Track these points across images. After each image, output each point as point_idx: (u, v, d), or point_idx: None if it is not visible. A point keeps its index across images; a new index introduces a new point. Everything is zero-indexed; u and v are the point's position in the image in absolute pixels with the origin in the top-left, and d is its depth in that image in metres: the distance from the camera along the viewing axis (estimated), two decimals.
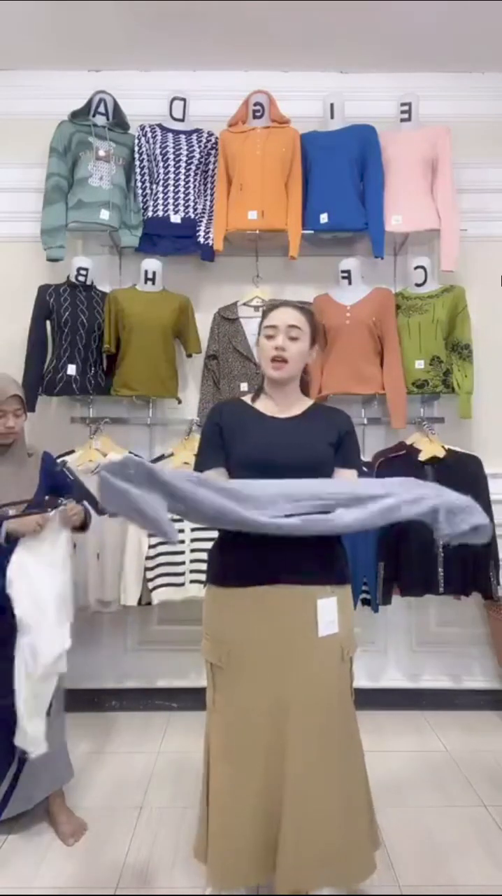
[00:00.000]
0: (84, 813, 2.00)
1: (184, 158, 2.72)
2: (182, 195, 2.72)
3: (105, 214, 2.62)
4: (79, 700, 2.68)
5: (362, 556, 2.54)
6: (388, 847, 1.84)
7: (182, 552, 2.52)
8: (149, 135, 2.76)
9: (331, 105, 2.75)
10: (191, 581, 2.52)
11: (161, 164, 2.72)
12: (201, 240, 2.74)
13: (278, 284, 2.88)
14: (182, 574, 2.53)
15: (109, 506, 1.25)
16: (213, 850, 1.48)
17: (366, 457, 2.72)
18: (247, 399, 1.64)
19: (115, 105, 2.73)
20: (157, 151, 2.73)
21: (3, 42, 2.73)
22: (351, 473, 1.56)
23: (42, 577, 1.76)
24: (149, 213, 2.73)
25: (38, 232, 2.65)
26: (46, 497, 1.85)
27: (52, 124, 2.69)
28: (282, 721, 1.43)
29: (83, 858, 1.81)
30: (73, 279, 2.67)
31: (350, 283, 2.70)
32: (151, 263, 2.69)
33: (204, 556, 2.50)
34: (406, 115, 2.76)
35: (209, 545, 1.62)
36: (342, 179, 2.65)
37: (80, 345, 2.62)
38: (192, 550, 2.51)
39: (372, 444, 2.83)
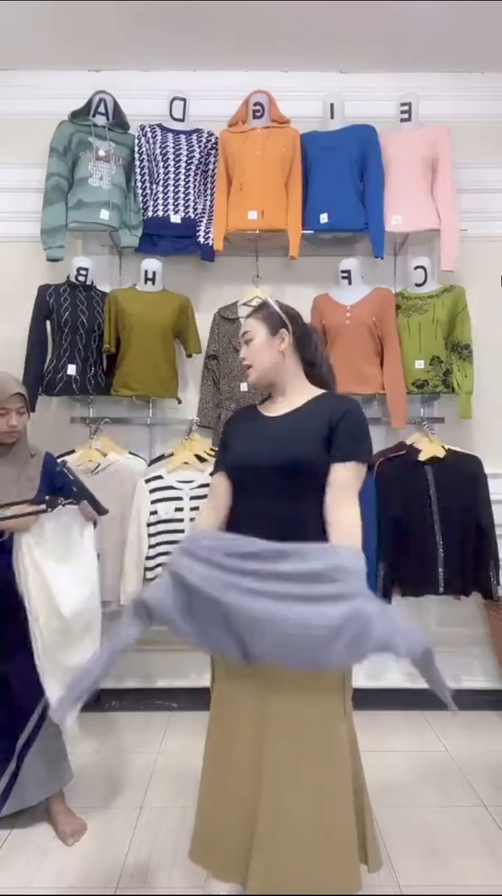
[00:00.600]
0: (84, 813, 2.00)
1: (184, 158, 2.72)
2: (182, 195, 2.72)
3: (105, 214, 2.63)
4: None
5: None
6: (388, 847, 1.84)
7: None
8: (149, 135, 2.76)
9: (331, 105, 2.75)
10: None
11: (161, 164, 2.72)
12: (201, 240, 2.74)
13: (278, 284, 2.88)
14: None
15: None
16: (195, 834, 1.51)
17: None
18: (257, 403, 1.66)
19: (115, 105, 2.73)
20: (157, 151, 2.73)
21: (3, 42, 2.74)
22: (342, 468, 1.40)
23: (59, 574, 1.78)
24: (149, 213, 2.73)
25: (38, 232, 2.65)
26: (47, 497, 1.85)
27: (52, 124, 2.69)
28: (263, 726, 1.41)
29: (83, 858, 1.81)
30: (73, 279, 2.67)
31: (350, 283, 2.71)
32: (151, 263, 2.69)
33: None
34: (406, 115, 2.76)
35: None
36: (342, 179, 2.65)
37: (80, 345, 2.62)
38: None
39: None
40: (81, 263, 2.67)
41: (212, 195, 2.77)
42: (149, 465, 2.69)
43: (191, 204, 2.74)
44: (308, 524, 1.41)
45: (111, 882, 1.72)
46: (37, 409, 2.63)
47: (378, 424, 2.84)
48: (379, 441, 2.84)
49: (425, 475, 2.60)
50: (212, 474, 1.65)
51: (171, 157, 2.72)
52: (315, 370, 1.59)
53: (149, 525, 2.52)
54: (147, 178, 2.79)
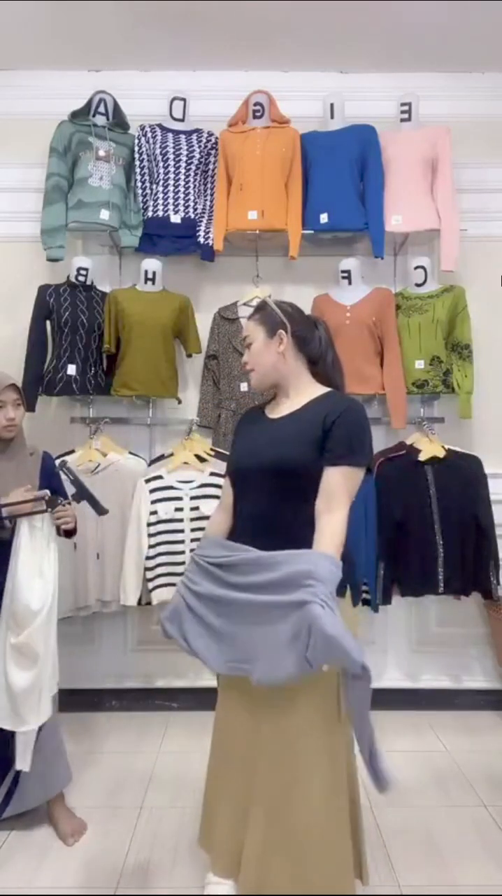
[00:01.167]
0: (84, 813, 2.00)
1: (184, 158, 2.72)
2: (182, 195, 2.72)
3: (105, 214, 2.63)
4: (79, 700, 2.69)
5: (362, 556, 2.54)
6: (388, 847, 1.85)
7: (182, 552, 2.53)
8: (149, 135, 2.76)
9: (331, 105, 2.75)
10: None
11: (161, 164, 2.72)
12: (201, 240, 2.74)
13: (278, 284, 2.88)
14: (182, 574, 2.52)
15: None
16: (202, 822, 1.56)
17: None
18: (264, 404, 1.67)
19: (115, 105, 2.73)
20: (157, 151, 2.73)
21: (3, 42, 2.74)
22: (332, 472, 1.36)
23: (29, 575, 1.78)
24: (149, 213, 2.73)
25: (38, 232, 2.65)
26: (47, 497, 1.85)
27: (52, 124, 2.69)
28: (256, 730, 1.42)
29: (83, 858, 1.81)
30: (73, 279, 2.67)
31: (350, 283, 2.71)
32: (151, 263, 2.69)
33: None
34: (406, 115, 2.76)
35: None
36: (342, 179, 2.65)
37: (80, 345, 2.62)
38: (192, 550, 2.50)
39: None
40: (81, 263, 2.67)
41: (212, 195, 2.77)
42: (149, 465, 2.69)
43: (191, 204, 2.74)
44: (294, 528, 1.39)
45: (111, 882, 1.72)
46: (37, 409, 2.63)
47: (378, 424, 2.84)
48: (380, 441, 2.84)
49: (425, 475, 2.60)
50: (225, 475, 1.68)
51: (171, 157, 2.72)
52: (318, 367, 1.55)
53: (149, 525, 2.52)
54: (147, 178, 2.79)
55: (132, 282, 2.79)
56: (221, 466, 2.48)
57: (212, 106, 2.83)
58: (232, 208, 2.67)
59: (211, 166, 2.80)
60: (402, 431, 2.72)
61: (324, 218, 2.63)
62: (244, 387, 2.64)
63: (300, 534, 1.37)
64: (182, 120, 2.79)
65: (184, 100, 2.78)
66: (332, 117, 2.76)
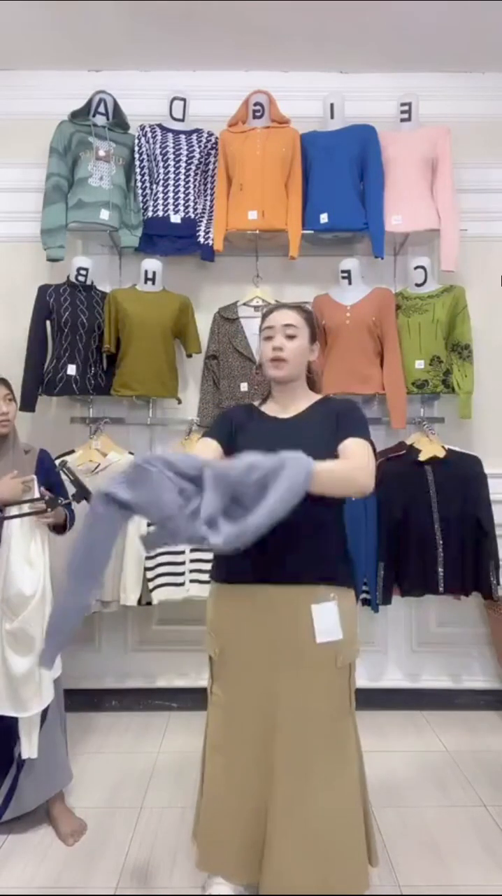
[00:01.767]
0: (84, 813, 2.00)
1: (184, 158, 2.72)
2: (182, 195, 2.72)
3: (105, 214, 2.62)
4: (79, 700, 2.68)
5: (362, 556, 2.54)
6: (388, 847, 1.84)
7: (182, 552, 2.52)
8: (149, 135, 2.76)
9: (331, 105, 2.75)
10: (191, 581, 2.52)
11: (161, 164, 2.72)
12: (201, 240, 2.74)
13: (278, 284, 2.88)
14: (182, 574, 2.53)
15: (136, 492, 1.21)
16: (202, 837, 1.51)
17: None
18: (256, 403, 1.67)
19: (115, 105, 2.73)
20: (157, 151, 2.73)
21: (3, 42, 2.74)
22: (352, 442, 1.43)
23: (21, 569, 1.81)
24: (149, 213, 2.73)
25: (38, 232, 2.65)
26: (47, 497, 1.85)
27: (52, 124, 2.69)
28: (271, 724, 1.43)
29: (83, 858, 1.81)
30: (73, 279, 2.67)
31: (350, 283, 2.70)
32: (151, 263, 2.69)
33: (204, 556, 2.50)
34: (406, 115, 2.76)
35: None
36: (342, 179, 2.65)
37: (80, 345, 2.62)
38: (192, 550, 2.51)
39: None
40: (81, 263, 2.67)
41: (212, 195, 2.77)
42: None
43: (191, 204, 2.74)
44: (328, 524, 1.47)
45: (111, 882, 1.72)
46: (37, 409, 2.63)
47: (378, 424, 2.83)
48: (380, 441, 2.84)
49: (425, 475, 2.60)
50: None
51: (171, 157, 2.72)
52: (312, 374, 1.66)
53: (148, 525, 2.52)
54: (147, 178, 2.79)
55: (132, 282, 2.79)
56: None
57: (212, 106, 2.83)
58: (232, 208, 2.67)
59: (211, 166, 2.80)
60: (402, 431, 2.72)
61: (324, 218, 2.63)
62: (244, 387, 2.64)
63: (335, 532, 1.48)
64: (182, 120, 2.79)
65: (184, 100, 2.78)
66: (332, 117, 2.76)
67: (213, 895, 1.57)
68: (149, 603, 2.54)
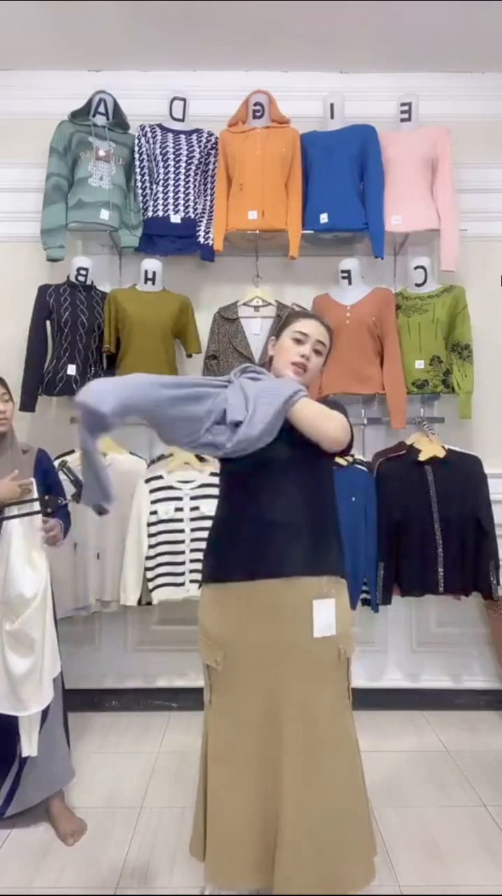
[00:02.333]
0: (84, 813, 2.00)
1: (184, 158, 2.72)
2: (182, 195, 2.72)
3: (105, 214, 2.63)
4: (79, 700, 2.68)
5: (362, 556, 2.54)
6: (388, 847, 1.85)
7: (182, 552, 2.53)
8: (149, 135, 2.76)
9: (331, 105, 2.75)
10: (191, 581, 2.52)
11: (161, 164, 2.72)
12: (201, 240, 2.74)
13: (278, 284, 2.88)
14: (182, 574, 2.53)
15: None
16: (211, 850, 1.48)
17: (367, 457, 2.73)
18: None
19: (115, 105, 2.73)
20: (157, 151, 2.73)
21: (3, 42, 2.73)
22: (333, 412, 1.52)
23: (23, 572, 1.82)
24: (149, 213, 2.73)
25: (38, 232, 2.65)
26: (46, 497, 1.85)
27: (52, 124, 2.69)
28: (277, 724, 1.43)
29: (83, 858, 1.81)
30: (73, 279, 2.67)
31: (350, 283, 2.70)
32: (151, 263, 2.69)
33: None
34: (406, 115, 2.76)
35: None
36: (342, 179, 2.65)
37: (80, 345, 2.62)
38: (192, 550, 2.51)
39: (372, 444, 2.83)
40: (81, 263, 2.67)
41: (212, 195, 2.77)
42: (149, 465, 2.69)
43: (191, 204, 2.74)
44: (323, 515, 1.52)
45: (111, 882, 1.72)
46: (37, 409, 2.63)
47: (378, 424, 2.84)
48: (380, 441, 2.84)
49: (425, 475, 2.60)
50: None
51: (171, 157, 2.72)
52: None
53: (148, 525, 2.52)
54: (147, 178, 2.79)
55: (132, 282, 2.79)
56: None
57: (212, 106, 2.83)
58: (232, 208, 2.67)
59: (211, 166, 2.80)
60: (402, 431, 2.72)
61: (324, 218, 2.63)
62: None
63: (321, 527, 1.50)
64: (182, 120, 2.79)
65: (184, 100, 2.78)
66: (332, 117, 2.76)
67: (214, 895, 1.57)
68: (149, 603, 2.54)
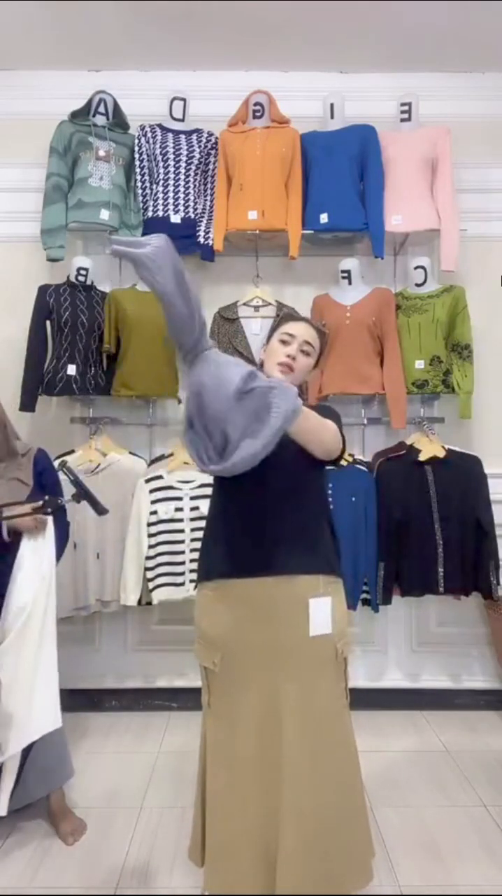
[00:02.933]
0: (84, 813, 2.00)
1: (184, 158, 2.72)
2: (182, 195, 2.72)
3: (105, 214, 2.63)
4: (79, 700, 2.69)
5: (362, 556, 2.54)
6: (388, 847, 1.85)
7: (182, 552, 2.53)
8: (149, 135, 2.76)
9: (331, 105, 2.75)
10: (191, 581, 2.52)
11: (161, 164, 2.72)
12: (201, 240, 2.74)
13: (278, 284, 2.88)
14: (182, 574, 2.53)
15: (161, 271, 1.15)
16: (210, 859, 1.48)
17: (367, 457, 2.73)
18: None
19: (115, 105, 2.73)
20: (157, 151, 2.73)
21: (3, 42, 2.73)
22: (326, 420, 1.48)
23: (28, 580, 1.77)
24: (149, 213, 2.73)
25: (38, 232, 2.65)
26: (46, 498, 1.85)
27: (52, 124, 2.69)
28: (275, 725, 1.42)
29: (83, 858, 1.81)
30: (73, 279, 2.67)
31: (350, 283, 2.71)
32: None
33: None
34: (406, 115, 2.76)
35: None
36: (342, 179, 2.65)
37: (80, 345, 2.62)
38: (192, 550, 2.51)
39: (372, 444, 2.83)
40: (81, 263, 2.67)
41: (212, 195, 2.77)
42: (149, 465, 2.69)
43: (191, 204, 2.74)
44: (319, 514, 1.52)
45: (111, 882, 1.72)
46: (37, 409, 2.63)
47: (378, 424, 2.84)
48: (380, 441, 2.84)
49: (425, 475, 2.60)
50: None
51: (171, 157, 2.72)
52: (300, 391, 1.68)
53: (149, 525, 2.52)
54: (147, 178, 2.79)
55: (132, 282, 2.79)
56: None
57: (212, 106, 2.84)
58: (232, 208, 2.67)
59: (211, 166, 2.80)
60: (402, 431, 2.72)
61: (324, 218, 2.63)
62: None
63: (317, 526, 1.50)
64: (182, 120, 2.79)
65: (184, 100, 2.78)
66: (332, 117, 2.76)
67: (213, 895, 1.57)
68: (149, 603, 2.54)
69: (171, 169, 2.72)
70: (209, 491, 2.52)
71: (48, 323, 2.66)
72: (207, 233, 2.74)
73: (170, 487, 2.55)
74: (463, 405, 2.64)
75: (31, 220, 2.74)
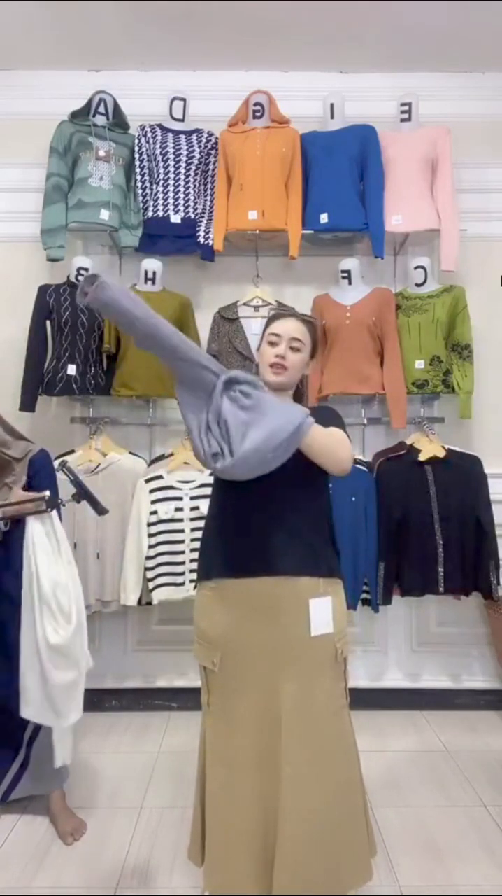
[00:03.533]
0: (84, 813, 2.00)
1: (184, 158, 2.72)
2: (182, 195, 2.72)
3: (105, 214, 2.63)
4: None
5: (362, 556, 2.54)
6: (388, 847, 1.85)
7: (182, 552, 2.53)
8: (149, 135, 2.76)
9: (331, 105, 2.75)
10: (191, 581, 2.52)
11: (161, 164, 2.72)
12: (201, 240, 2.74)
13: (278, 284, 2.88)
14: (182, 574, 2.53)
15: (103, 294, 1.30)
16: (209, 859, 1.48)
17: (367, 457, 2.73)
18: None
19: (115, 105, 2.73)
20: (157, 151, 2.73)
21: (3, 42, 2.74)
22: (335, 429, 1.47)
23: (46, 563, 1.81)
24: (149, 213, 2.73)
25: (38, 232, 2.65)
26: (47, 496, 1.85)
27: (52, 124, 2.69)
28: (275, 725, 1.42)
29: (83, 858, 1.81)
30: (73, 279, 2.67)
31: (350, 283, 2.71)
32: (151, 263, 2.69)
33: None
34: (406, 115, 2.76)
35: None
36: (342, 179, 2.65)
37: (80, 345, 2.62)
38: (192, 550, 2.51)
39: (372, 444, 2.83)
40: (81, 263, 2.67)
41: (212, 195, 2.77)
42: (149, 465, 2.69)
43: (191, 204, 2.74)
44: (320, 515, 1.52)
45: (111, 882, 1.72)
46: (37, 409, 2.63)
47: (378, 424, 2.84)
48: (380, 441, 2.85)
49: (425, 475, 2.60)
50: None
51: (171, 157, 2.72)
52: (301, 387, 1.68)
53: (149, 525, 2.52)
54: (147, 178, 2.79)
55: (132, 282, 2.79)
56: None
57: (212, 106, 2.84)
58: (232, 208, 2.67)
59: (211, 166, 2.80)
60: (402, 431, 2.72)
61: (324, 218, 2.63)
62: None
63: (319, 528, 1.50)
64: (182, 120, 2.79)
65: (184, 100, 2.79)
66: (332, 117, 2.76)
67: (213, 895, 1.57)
68: (149, 603, 2.54)
69: (171, 169, 2.72)
70: (209, 491, 2.53)
71: (48, 323, 2.66)
72: (207, 233, 2.74)
73: (171, 487, 2.55)
74: (463, 405, 2.64)
75: (31, 220, 2.74)
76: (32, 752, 1.95)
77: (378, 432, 2.87)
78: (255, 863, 1.43)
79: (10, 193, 2.89)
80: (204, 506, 2.51)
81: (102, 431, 2.71)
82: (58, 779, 1.97)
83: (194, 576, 2.50)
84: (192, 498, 2.55)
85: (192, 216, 2.73)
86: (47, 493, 1.83)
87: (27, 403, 2.60)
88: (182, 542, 2.53)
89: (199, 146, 2.75)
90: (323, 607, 1.44)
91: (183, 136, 2.76)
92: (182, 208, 2.72)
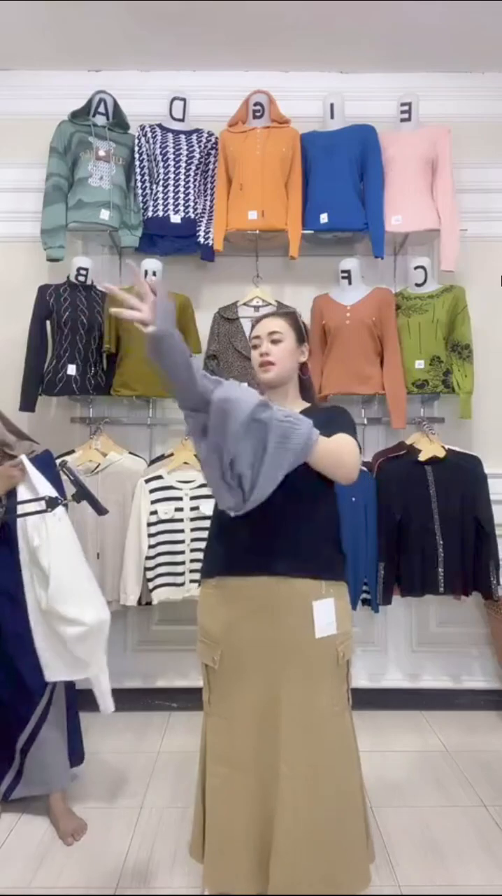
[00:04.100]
0: (84, 813, 2.00)
1: (184, 158, 2.72)
2: (182, 195, 2.72)
3: (105, 214, 2.63)
4: (79, 700, 2.68)
5: (362, 556, 2.54)
6: (388, 847, 1.85)
7: (182, 552, 2.53)
8: (149, 135, 2.76)
9: (331, 105, 2.75)
10: (191, 581, 2.52)
11: (161, 164, 2.72)
12: (201, 240, 2.74)
13: (278, 284, 2.88)
14: (182, 574, 2.53)
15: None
16: (209, 852, 1.48)
17: (367, 457, 2.73)
18: None
19: (115, 105, 2.73)
20: (157, 151, 2.73)
21: (3, 42, 2.74)
22: (341, 436, 1.45)
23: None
24: (149, 213, 2.73)
25: (38, 232, 2.65)
26: (47, 497, 1.85)
27: (52, 124, 2.69)
28: (275, 725, 1.42)
29: (83, 858, 1.81)
30: (73, 279, 2.67)
31: (350, 283, 2.71)
32: (151, 263, 2.69)
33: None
34: (406, 115, 2.76)
35: None
36: (342, 179, 2.65)
37: (80, 345, 2.62)
38: (192, 550, 2.51)
39: (372, 444, 2.83)
40: (81, 263, 2.67)
41: (212, 195, 2.77)
42: (149, 465, 2.69)
43: (191, 204, 2.74)
44: (326, 517, 1.51)
45: (111, 882, 1.72)
46: (37, 409, 2.63)
47: (378, 424, 2.84)
48: (380, 441, 2.85)
49: (425, 475, 2.60)
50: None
51: (171, 157, 2.72)
52: (304, 381, 1.67)
53: (149, 525, 2.52)
54: (147, 178, 2.79)
55: (132, 282, 2.79)
56: None
57: (212, 106, 2.84)
58: (232, 208, 2.67)
59: (211, 166, 2.80)
60: (402, 431, 2.72)
61: (324, 218, 2.63)
62: (244, 387, 2.64)
63: (324, 529, 1.49)
64: (182, 120, 2.79)
65: (184, 100, 2.79)
66: (332, 117, 2.76)
67: (212, 895, 1.57)
68: (149, 603, 2.54)
69: (171, 169, 2.72)
70: (209, 491, 2.53)
71: (48, 323, 2.66)
72: (207, 233, 2.74)
73: (171, 487, 2.55)
74: (463, 405, 2.64)
75: (31, 220, 2.74)
76: (27, 762, 1.93)
77: (378, 432, 2.87)
78: (254, 861, 1.43)
79: (10, 193, 2.89)
80: (204, 506, 2.51)
81: (102, 431, 2.71)
82: (58, 781, 1.96)
83: (194, 576, 2.51)
84: (192, 498, 2.55)
85: (192, 216, 2.73)
86: (48, 494, 1.83)
87: (27, 403, 2.60)
88: (182, 542, 2.53)
89: (199, 146, 2.75)
90: (326, 609, 1.44)
91: (183, 136, 2.76)
92: (182, 208, 2.72)
